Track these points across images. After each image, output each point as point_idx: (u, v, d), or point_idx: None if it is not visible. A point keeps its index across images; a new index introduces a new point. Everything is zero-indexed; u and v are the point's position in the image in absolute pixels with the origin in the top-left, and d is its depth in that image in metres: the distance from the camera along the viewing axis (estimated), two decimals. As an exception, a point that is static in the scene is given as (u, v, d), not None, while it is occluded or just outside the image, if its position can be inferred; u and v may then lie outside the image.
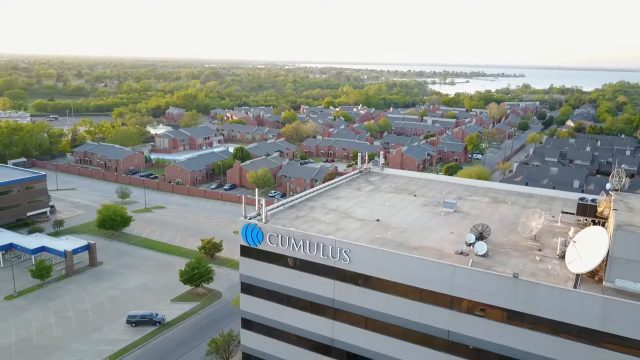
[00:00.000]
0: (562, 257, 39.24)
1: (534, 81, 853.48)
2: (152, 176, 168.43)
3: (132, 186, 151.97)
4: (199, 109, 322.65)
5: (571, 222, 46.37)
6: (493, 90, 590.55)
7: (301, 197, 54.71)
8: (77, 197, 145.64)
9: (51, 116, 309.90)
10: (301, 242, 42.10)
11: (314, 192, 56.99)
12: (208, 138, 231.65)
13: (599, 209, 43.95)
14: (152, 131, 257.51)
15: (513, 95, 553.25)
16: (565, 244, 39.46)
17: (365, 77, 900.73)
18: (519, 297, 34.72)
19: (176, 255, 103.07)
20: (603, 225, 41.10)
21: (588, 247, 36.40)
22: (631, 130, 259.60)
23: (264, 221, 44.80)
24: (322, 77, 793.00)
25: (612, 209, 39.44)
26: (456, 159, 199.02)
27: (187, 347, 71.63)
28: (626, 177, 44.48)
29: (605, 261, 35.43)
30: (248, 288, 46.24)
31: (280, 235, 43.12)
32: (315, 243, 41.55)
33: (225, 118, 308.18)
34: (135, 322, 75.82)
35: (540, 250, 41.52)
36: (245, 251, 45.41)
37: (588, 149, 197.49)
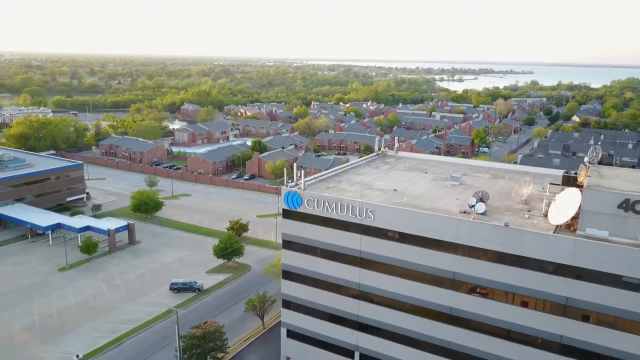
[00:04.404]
0: (546, 215, 48.44)
1: (542, 78, 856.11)
2: (175, 167, 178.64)
3: (158, 176, 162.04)
4: (213, 105, 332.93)
5: (557, 191, 55.31)
6: (501, 87, 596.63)
7: (328, 173, 64.28)
8: (107, 185, 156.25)
9: (71, 112, 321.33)
10: (333, 205, 51.62)
11: (338, 170, 66.49)
12: (225, 132, 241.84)
13: (579, 179, 52.94)
14: (170, 126, 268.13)
15: (521, 92, 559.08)
16: (548, 205, 48.69)
17: (374, 74, 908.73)
18: (509, 242, 44.08)
19: (206, 235, 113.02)
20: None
21: (565, 204, 45.57)
22: (635, 125, 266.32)
23: (302, 189, 54.41)
24: (330, 74, 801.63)
25: (587, 176, 48.62)
26: (463, 152, 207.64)
27: (223, 309, 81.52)
28: (601, 152, 53.54)
29: (578, 215, 44.64)
30: (288, 244, 55.96)
31: (316, 200, 52.71)
32: (345, 205, 51.08)
33: (239, 114, 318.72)
34: (177, 288, 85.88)
35: (529, 211, 50.78)
36: (287, 214, 55.09)
37: (591, 142, 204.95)
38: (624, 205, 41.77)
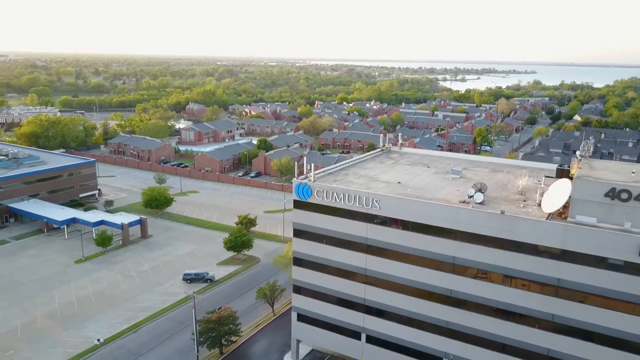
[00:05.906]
0: (540, 204, 52.02)
1: (545, 78, 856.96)
2: (182, 165, 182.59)
3: (166, 174, 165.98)
4: (218, 105, 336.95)
5: (551, 183, 58.81)
6: (503, 87, 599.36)
7: (336, 167, 67.92)
8: (117, 183, 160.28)
9: (77, 112, 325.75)
10: (341, 195, 55.28)
11: (345, 164, 70.11)
12: (230, 131, 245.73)
13: (572, 171, 56.36)
14: (176, 125, 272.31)
15: (523, 92, 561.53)
16: (542, 195, 52.25)
17: (377, 74, 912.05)
18: (504, 228, 47.70)
19: (215, 229, 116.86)
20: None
21: (557, 193, 49.12)
22: (636, 124, 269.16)
23: (312, 180, 58.12)
24: (333, 74, 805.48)
25: (578, 168, 52.17)
26: (466, 150, 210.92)
27: (234, 297, 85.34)
28: (593, 146, 57.06)
29: (568, 203, 48.21)
30: (299, 233, 59.66)
31: (325, 191, 56.39)
32: (353, 195, 54.74)
33: (244, 113, 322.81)
34: (190, 279, 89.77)
35: (524, 201, 54.36)
36: (297, 204, 58.80)
37: (592, 141, 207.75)
38: (610, 193, 45.28)
